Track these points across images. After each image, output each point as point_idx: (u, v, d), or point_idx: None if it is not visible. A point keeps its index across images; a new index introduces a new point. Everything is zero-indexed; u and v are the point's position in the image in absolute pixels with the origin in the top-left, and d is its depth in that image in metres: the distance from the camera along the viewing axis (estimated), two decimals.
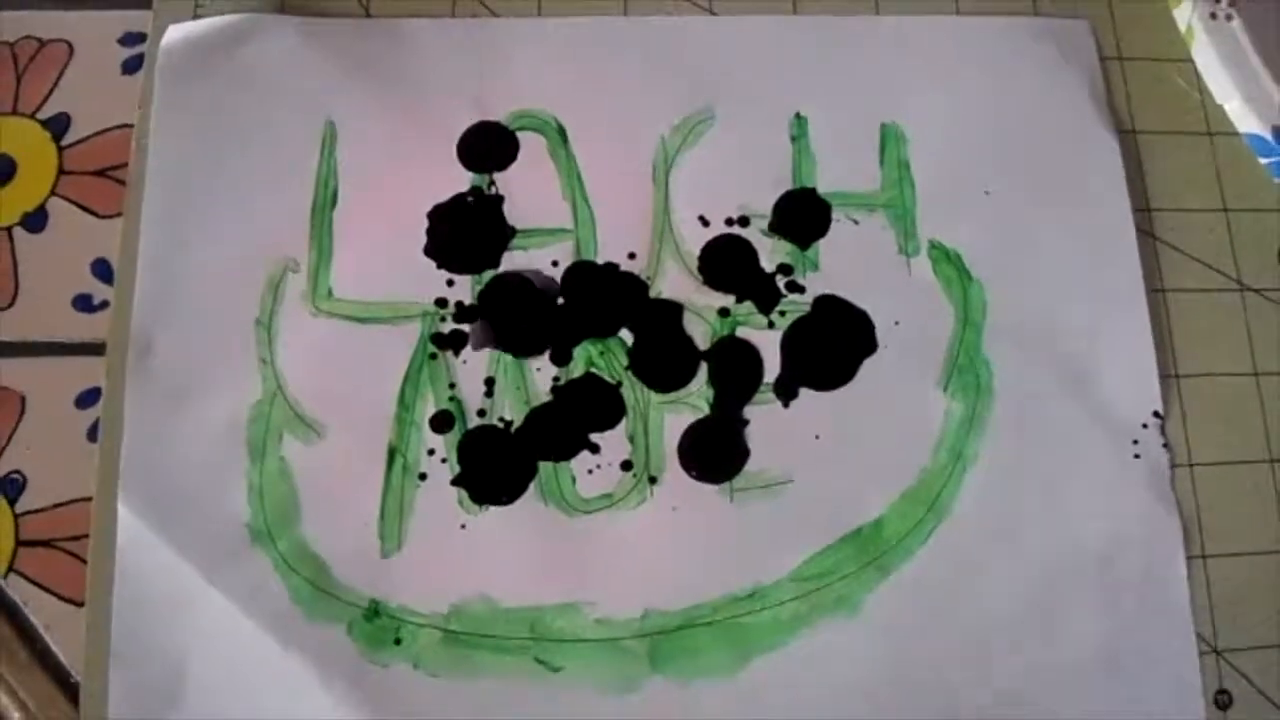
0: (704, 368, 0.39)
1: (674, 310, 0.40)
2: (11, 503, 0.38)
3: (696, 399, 0.39)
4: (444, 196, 0.41)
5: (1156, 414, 0.40)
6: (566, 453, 0.38)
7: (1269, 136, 0.42)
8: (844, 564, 0.37)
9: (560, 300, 0.40)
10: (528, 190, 0.41)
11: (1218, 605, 0.38)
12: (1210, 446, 0.40)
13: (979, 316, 0.40)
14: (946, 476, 0.38)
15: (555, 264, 0.40)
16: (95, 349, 0.40)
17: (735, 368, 0.39)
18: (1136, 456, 0.39)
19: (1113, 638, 0.37)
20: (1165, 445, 0.39)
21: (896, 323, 0.40)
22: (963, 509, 0.38)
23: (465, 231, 0.40)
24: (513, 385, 0.39)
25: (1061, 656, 0.37)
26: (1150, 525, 0.38)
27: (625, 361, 0.39)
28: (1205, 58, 0.44)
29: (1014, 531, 0.38)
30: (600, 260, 0.40)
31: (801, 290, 0.40)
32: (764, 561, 0.37)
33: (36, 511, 0.38)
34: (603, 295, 0.40)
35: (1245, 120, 0.43)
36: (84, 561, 0.37)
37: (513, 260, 0.40)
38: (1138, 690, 0.37)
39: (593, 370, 0.39)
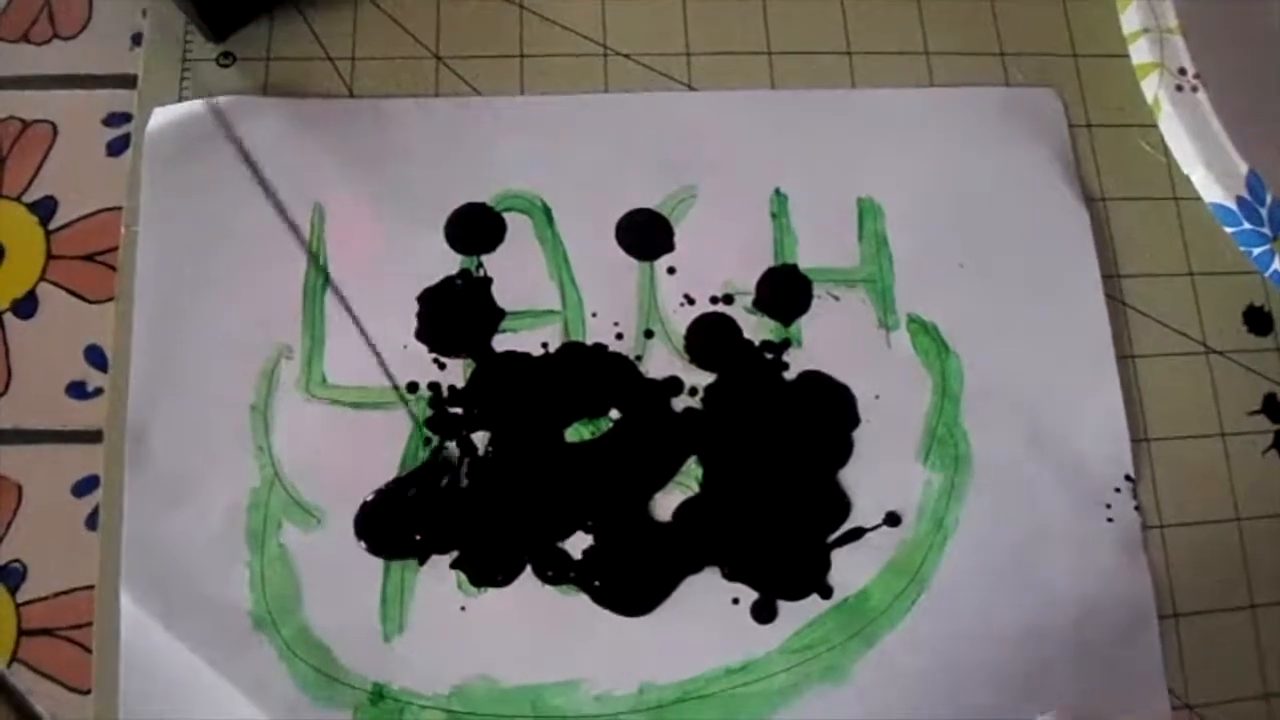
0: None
1: (663, 390, 0.41)
2: (13, 591, 0.39)
3: (686, 477, 0.40)
4: (433, 279, 0.41)
5: (1128, 477, 0.41)
6: (561, 533, 0.39)
7: (1234, 206, 0.43)
8: (832, 635, 0.38)
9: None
10: (515, 272, 0.42)
11: (1189, 662, 0.39)
12: (1180, 508, 0.41)
13: (957, 388, 0.41)
14: (928, 547, 0.40)
15: (545, 345, 0.41)
16: (91, 436, 0.40)
17: (723, 445, 0.40)
18: (1109, 520, 0.40)
19: (1087, 695, 0.39)
20: (1137, 508, 0.41)
21: (877, 396, 0.41)
22: (944, 577, 0.39)
23: (455, 315, 0.41)
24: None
25: (1039, 716, 0.38)
26: (1123, 586, 0.40)
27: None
28: (1171, 129, 0.44)
29: (993, 597, 0.39)
30: (589, 341, 0.41)
31: (785, 367, 0.41)
32: (755, 634, 0.38)
33: (38, 600, 0.39)
34: (592, 376, 0.41)
35: (1210, 190, 0.44)
36: (87, 650, 0.38)
37: (502, 343, 0.41)
38: None
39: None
